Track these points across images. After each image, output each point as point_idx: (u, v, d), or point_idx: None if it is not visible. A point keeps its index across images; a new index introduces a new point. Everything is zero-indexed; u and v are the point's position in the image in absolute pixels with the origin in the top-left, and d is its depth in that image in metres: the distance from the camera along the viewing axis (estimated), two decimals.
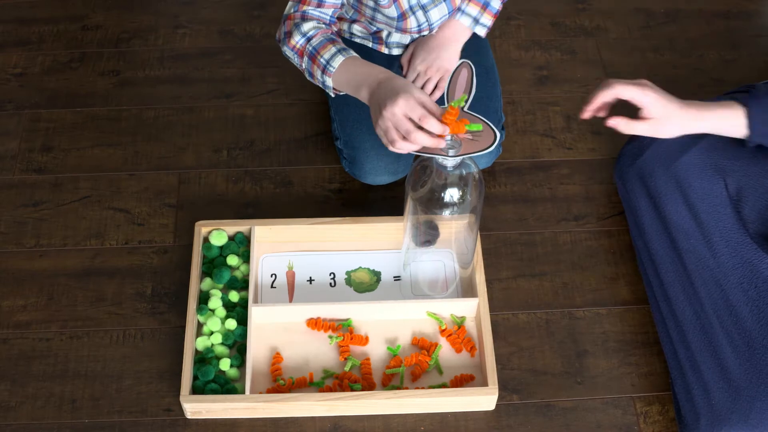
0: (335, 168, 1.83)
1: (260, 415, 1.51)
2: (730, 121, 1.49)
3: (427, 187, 1.47)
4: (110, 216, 1.76)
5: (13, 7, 2.13)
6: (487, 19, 1.73)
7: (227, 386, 1.52)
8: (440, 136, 1.39)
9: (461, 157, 1.42)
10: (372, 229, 1.69)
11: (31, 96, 1.96)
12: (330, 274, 1.66)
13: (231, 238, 1.69)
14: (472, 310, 1.60)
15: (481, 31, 1.74)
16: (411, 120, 1.40)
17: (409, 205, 1.51)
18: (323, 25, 1.58)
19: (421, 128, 1.39)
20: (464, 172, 1.45)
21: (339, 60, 1.52)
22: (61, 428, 1.50)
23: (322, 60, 1.53)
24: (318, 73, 1.55)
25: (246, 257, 1.66)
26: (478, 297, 1.58)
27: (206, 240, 1.68)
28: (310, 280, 1.66)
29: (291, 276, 1.66)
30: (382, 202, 1.78)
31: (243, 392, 1.50)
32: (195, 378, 1.52)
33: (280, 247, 1.69)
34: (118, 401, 1.53)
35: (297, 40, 1.56)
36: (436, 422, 1.52)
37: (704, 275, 1.52)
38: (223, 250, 1.67)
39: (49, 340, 1.60)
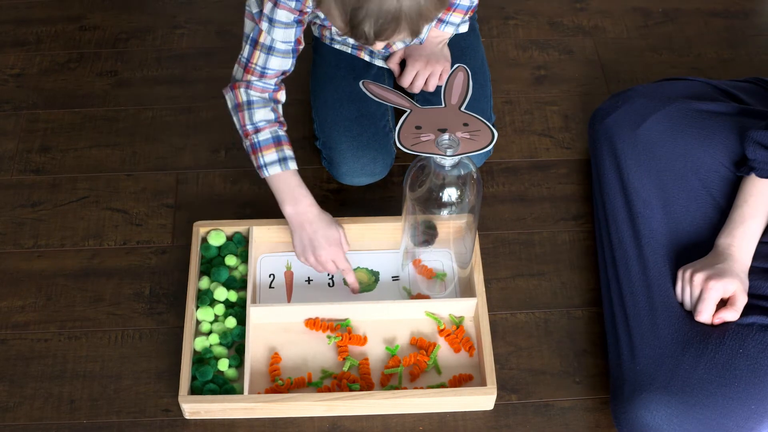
0: None
1: (259, 416, 1.51)
2: (764, 206, 1.49)
3: (425, 187, 1.47)
4: (108, 216, 1.76)
5: (11, 7, 2.13)
6: (468, 16, 1.77)
7: (226, 386, 1.52)
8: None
9: (459, 157, 1.42)
10: (370, 229, 1.69)
11: (29, 96, 1.96)
12: (328, 274, 1.66)
13: (229, 239, 1.69)
14: (471, 309, 1.60)
15: (465, 28, 1.80)
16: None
17: (407, 205, 1.51)
18: (272, 114, 1.58)
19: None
20: (462, 172, 1.45)
21: (276, 170, 1.56)
22: (60, 429, 1.50)
23: (260, 159, 1.57)
24: (254, 162, 1.58)
25: (244, 257, 1.66)
26: (477, 297, 1.58)
27: (204, 240, 1.68)
28: (309, 280, 1.65)
29: (289, 276, 1.66)
30: (380, 202, 1.78)
31: (241, 392, 1.50)
32: (193, 378, 1.52)
33: (279, 247, 1.69)
34: (117, 401, 1.53)
35: (246, 123, 1.57)
36: (434, 422, 1.52)
37: (653, 240, 1.53)
38: (222, 251, 1.67)
39: (47, 341, 1.60)
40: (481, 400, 1.51)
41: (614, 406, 1.44)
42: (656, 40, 2.09)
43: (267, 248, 1.68)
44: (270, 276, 1.66)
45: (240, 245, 1.68)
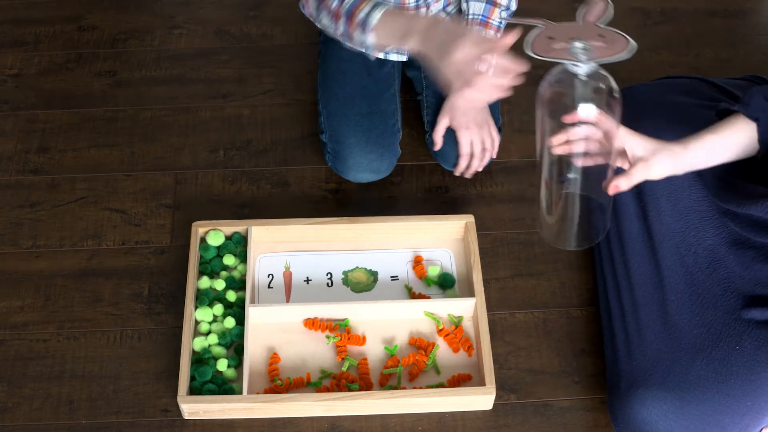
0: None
1: (257, 416, 1.51)
2: (733, 139, 1.40)
3: (562, 101, 1.35)
4: (107, 217, 1.76)
5: (9, 7, 2.13)
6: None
7: (224, 386, 1.52)
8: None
9: (594, 65, 1.31)
10: (369, 229, 1.69)
11: (28, 97, 1.96)
12: (327, 274, 1.66)
13: (228, 239, 1.69)
14: (470, 309, 1.60)
15: None
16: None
17: (541, 125, 1.37)
18: None
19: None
20: (601, 85, 1.33)
21: (377, 15, 1.45)
22: (59, 429, 1.50)
23: (359, 18, 1.47)
24: (357, 34, 1.48)
25: (243, 257, 1.66)
26: (476, 296, 1.58)
27: (203, 240, 1.68)
28: (307, 280, 1.65)
29: (288, 276, 1.66)
30: (378, 202, 1.78)
31: (240, 392, 1.50)
32: (192, 378, 1.52)
33: (277, 247, 1.69)
34: (116, 402, 1.53)
35: (331, 2, 1.51)
36: (433, 422, 1.52)
37: (665, 236, 1.52)
38: (220, 251, 1.67)
39: (46, 341, 1.60)
40: (480, 399, 1.51)
41: (611, 402, 1.44)
42: (655, 39, 2.09)
43: (266, 248, 1.68)
44: (269, 276, 1.66)
45: (239, 245, 1.68)
